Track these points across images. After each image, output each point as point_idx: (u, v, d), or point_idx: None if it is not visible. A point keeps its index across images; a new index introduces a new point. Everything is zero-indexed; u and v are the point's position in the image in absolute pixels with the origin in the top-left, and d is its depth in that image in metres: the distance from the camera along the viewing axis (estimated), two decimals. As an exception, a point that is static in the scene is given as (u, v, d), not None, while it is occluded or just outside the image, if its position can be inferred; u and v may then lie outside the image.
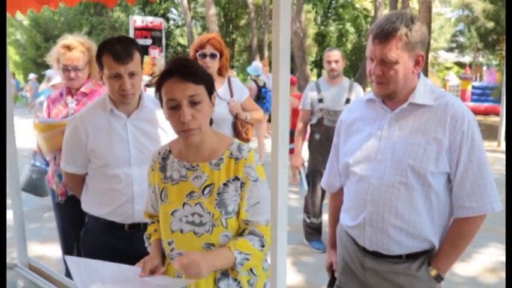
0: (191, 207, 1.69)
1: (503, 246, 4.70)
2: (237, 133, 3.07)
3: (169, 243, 1.74)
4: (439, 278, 1.83)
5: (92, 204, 2.32)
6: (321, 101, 4.40)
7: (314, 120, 4.51)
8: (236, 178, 1.70)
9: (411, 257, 1.83)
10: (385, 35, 1.67)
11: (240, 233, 1.74)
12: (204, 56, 2.97)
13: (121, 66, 2.08)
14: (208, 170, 1.71)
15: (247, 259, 1.65)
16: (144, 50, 13.72)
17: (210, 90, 1.69)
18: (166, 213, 1.72)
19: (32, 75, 20.74)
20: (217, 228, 1.67)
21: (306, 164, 4.76)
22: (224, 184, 1.69)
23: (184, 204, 1.70)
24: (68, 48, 2.88)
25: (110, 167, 2.21)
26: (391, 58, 1.68)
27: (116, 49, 2.08)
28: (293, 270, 4.24)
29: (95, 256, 2.31)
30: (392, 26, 1.66)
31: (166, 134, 2.27)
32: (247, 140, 3.07)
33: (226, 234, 1.69)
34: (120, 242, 2.27)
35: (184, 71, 1.61)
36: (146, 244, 1.91)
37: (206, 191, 1.69)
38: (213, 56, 2.97)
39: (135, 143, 2.23)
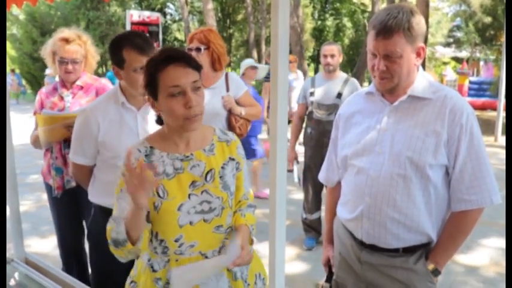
0: (198, 197, 1.69)
1: (500, 240, 4.72)
2: (230, 128, 3.06)
3: (176, 240, 1.69)
4: (436, 272, 1.83)
5: (99, 195, 2.35)
6: (312, 94, 4.42)
7: (306, 114, 4.55)
8: (231, 159, 1.79)
9: (408, 250, 1.83)
10: (389, 30, 1.67)
11: (236, 209, 1.85)
12: (190, 50, 2.96)
13: (146, 58, 2.09)
14: (204, 157, 1.74)
15: (253, 228, 1.85)
16: (141, 45, 13.72)
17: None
18: (172, 210, 1.67)
19: (48, 71, 20.25)
20: (225, 210, 1.74)
21: (302, 158, 4.76)
22: (222, 167, 1.76)
23: (189, 195, 1.69)
24: (66, 41, 2.87)
25: (120, 158, 2.19)
26: (396, 53, 1.69)
27: (138, 42, 2.13)
28: (291, 265, 4.24)
29: (102, 247, 2.31)
30: (395, 21, 1.66)
31: None
32: (241, 136, 3.04)
33: (230, 214, 1.78)
34: None
35: (184, 57, 1.64)
36: (115, 236, 1.62)
37: (209, 177, 1.72)
38: (197, 49, 2.96)
39: (143, 135, 2.23)
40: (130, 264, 2.34)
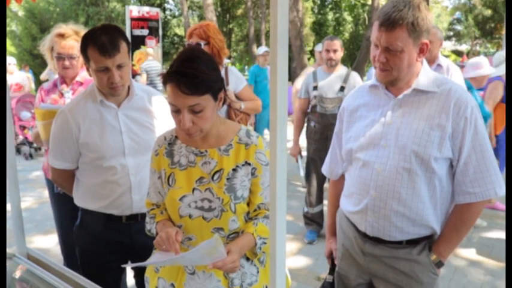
0: (201, 193, 1.69)
1: (500, 233, 4.73)
2: None
3: (178, 227, 1.73)
4: (439, 264, 1.84)
5: (86, 199, 2.27)
6: (315, 88, 4.43)
7: (309, 108, 4.55)
8: (246, 163, 1.71)
9: (412, 242, 1.83)
10: (391, 23, 1.66)
11: (252, 217, 1.76)
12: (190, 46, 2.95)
13: (108, 60, 2.02)
14: (217, 156, 1.71)
15: (265, 243, 1.70)
16: (141, 41, 13.66)
17: (217, 93, 1.65)
18: (174, 199, 1.71)
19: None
20: (226, 214, 1.68)
21: (305, 152, 4.77)
22: (233, 169, 1.70)
23: (194, 189, 1.70)
24: (62, 36, 2.83)
25: (105, 159, 2.17)
26: (396, 47, 1.68)
27: (102, 42, 2.00)
28: (293, 259, 4.25)
29: (92, 251, 2.29)
30: (399, 14, 1.65)
31: (159, 121, 2.26)
32: None
33: (234, 219, 1.71)
34: (118, 235, 2.25)
35: (186, 83, 1.54)
36: (148, 227, 1.84)
37: (216, 177, 1.70)
38: (197, 45, 2.93)
39: (127, 132, 2.19)
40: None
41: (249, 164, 1.71)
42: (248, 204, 1.76)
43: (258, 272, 1.79)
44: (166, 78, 1.58)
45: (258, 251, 1.70)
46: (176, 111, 1.60)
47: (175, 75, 1.55)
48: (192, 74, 1.55)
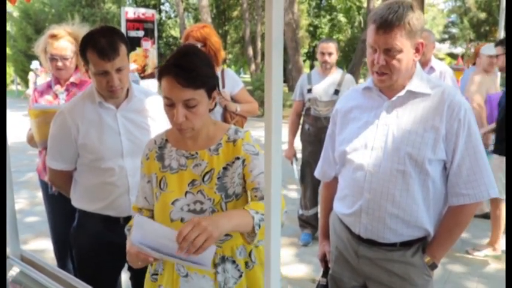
0: (193, 196, 1.68)
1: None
2: None
3: None
4: (433, 266, 1.85)
5: (83, 200, 2.27)
6: (309, 91, 4.43)
7: (304, 111, 4.56)
8: (236, 159, 1.69)
9: (405, 244, 1.84)
10: (389, 24, 1.68)
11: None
12: None
13: (107, 64, 2.01)
14: (208, 157, 1.70)
15: (262, 219, 1.52)
16: (137, 42, 13.64)
17: (211, 90, 1.65)
18: (167, 203, 1.69)
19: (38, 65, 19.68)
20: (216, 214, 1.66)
21: (299, 155, 4.78)
22: (224, 168, 1.69)
23: (186, 193, 1.69)
24: (55, 37, 2.83)
25: (104, 161, 2.17)
26: (396, 47, 1.69)
27: (101, 45, 2.00)
28: (287, 261, 4.25)
29: (89, 253, 2.29)
30: (396, 15, 1.67)
31: (157, 123, 2.25)
32: None
33: None
34: (116, 237, 2.23)
35: (183, 76, 1.54)
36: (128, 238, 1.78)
37: (206, 178, 1.69)
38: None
39: (126, 134, 2.19)
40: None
41: (238, 159, 1.70)
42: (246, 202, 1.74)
43: (240, 276, 1.75)
44: (163, 71, 1.58)
45: (257, 228, 1.52)
46: (170, 105, 1.59)
47: (173, 68, 1.56)
48: (190, 67, 1.56)
